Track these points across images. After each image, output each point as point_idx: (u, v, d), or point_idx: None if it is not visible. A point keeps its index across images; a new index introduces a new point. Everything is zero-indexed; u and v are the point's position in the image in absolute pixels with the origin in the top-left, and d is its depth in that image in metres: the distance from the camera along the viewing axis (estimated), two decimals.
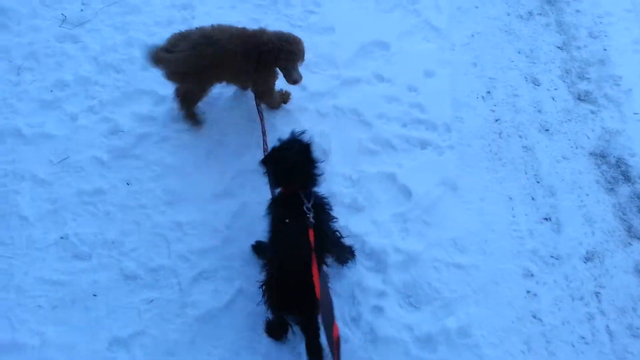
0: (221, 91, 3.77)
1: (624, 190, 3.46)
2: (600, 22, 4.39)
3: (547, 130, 3.77)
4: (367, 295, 2.92)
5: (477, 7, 4.55)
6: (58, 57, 3.99)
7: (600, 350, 2.86)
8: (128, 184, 3.29)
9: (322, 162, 2.74)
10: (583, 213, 3.36)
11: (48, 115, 3.63)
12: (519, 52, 4.24)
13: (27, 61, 3.91)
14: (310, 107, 3.74)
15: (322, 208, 2.70)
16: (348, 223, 3.09)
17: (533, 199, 3.41)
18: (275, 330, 2.76)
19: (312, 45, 4.14)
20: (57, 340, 2.72)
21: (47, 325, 2.76)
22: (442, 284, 3.01)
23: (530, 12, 4.54)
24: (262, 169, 2.75)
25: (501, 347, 2.84)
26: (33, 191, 3.22)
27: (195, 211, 3.16)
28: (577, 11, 4.50)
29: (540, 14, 4.53)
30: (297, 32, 4.23)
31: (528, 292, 3.06)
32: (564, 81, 4.06)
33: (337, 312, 2.57)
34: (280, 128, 3.58)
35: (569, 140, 3.73)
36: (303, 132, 2.73)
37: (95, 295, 2.79)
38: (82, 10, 4.50)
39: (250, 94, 3.60)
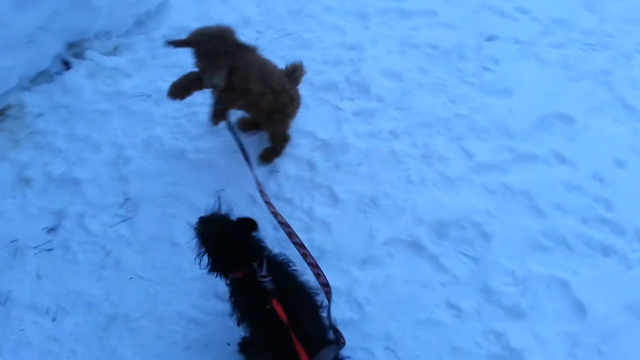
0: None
1: None
2: None
3: None
4: None
5: None
6: None
7: None
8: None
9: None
10: None
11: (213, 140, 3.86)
12: None
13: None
14: (475, 180, 3.53)
15: (282, 269, 2.47)
16: (505, 330, 2.83)
17: None
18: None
19: (482, 108, 3.97)
20: None
21: None
22: None
23: None
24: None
25: None
26: (188, 218, 3.40)
27: (338, 275, 3.10)
28: None
29: None
30: (468, 89, 4.15)
31: None
32: None
33: None
34: (444, 201, 3.44)
35: None
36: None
37: (228, 345, 2.84)
38: (257, 38, 4.78)
39: None
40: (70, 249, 3.23)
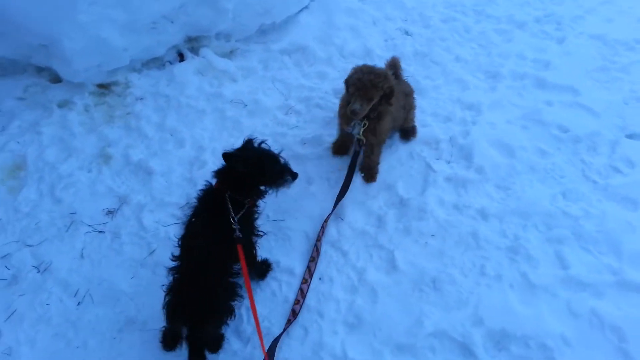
0: None
1: None
2: None
3: None
4: None
5: None
6: None
7: None
8: None
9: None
10: None
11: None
12: None
13: None
14: (561, 295, 3.08)
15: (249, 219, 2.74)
16: None
17: None
18: (168, 340, 2.73)
19: (598, 214, 3.51)
20: None
21: None
22: None
23: None
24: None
25: None
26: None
27: (367, 353, 2.88)
28: None
29: None
30: (587, 188, 3.70)
31: None
32: None
33: None
34: (515, 309, 3.06)
35: None
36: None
37: None
38: None
39: None
40: (120, 237, 3.36)
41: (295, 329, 2.97)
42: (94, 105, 4.17)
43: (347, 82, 3.33)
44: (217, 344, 2.84)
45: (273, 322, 2.99)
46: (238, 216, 2.62)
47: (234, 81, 4.52)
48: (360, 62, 4.65)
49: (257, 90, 4.43)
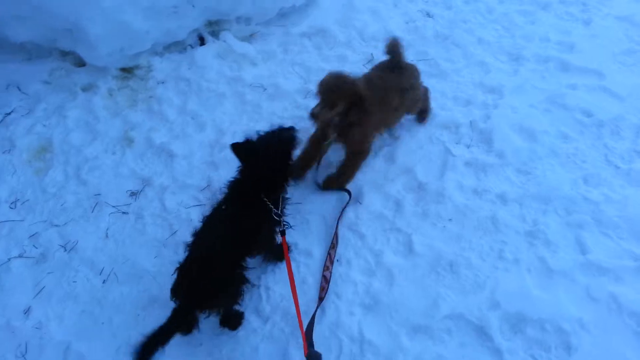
0: None
1: None
2: None
3: None
4: None
5: None
6: None
7: None
8: None
9: None
10: None
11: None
12: None
13: None
14: (580, 280, 3.09)
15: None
16: None
17: None
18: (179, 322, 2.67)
19: (620, 199, 3.50)
20: None
21: None
22: None
23: None
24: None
25: None
26: None
27: (383, 333, 2.95)
28: None
29: None
30: (609, 173, 3.68)
31: None
32: None
33: None
34: (532, 293, 3.09)
35: None
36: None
37: None
38: None
39: None
40: (143, 218, 3.47)
41: (313, 309, 3.04)
42: (118, 89, 4.28)
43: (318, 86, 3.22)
44: (236, 321, 2.93)
45: (292, 302, 3.06)
46: (280, 209, 2.74)
47: (253, 65, 4.57)
48: (380, 45, 4.69)
49: (276, 74, 4.47)
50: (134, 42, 4.20)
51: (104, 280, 3.17)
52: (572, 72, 4.49)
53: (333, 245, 3.27)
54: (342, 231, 3.40)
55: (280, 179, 2.81)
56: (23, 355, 2.89)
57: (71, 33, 4.11)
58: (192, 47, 4.62)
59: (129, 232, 3.41)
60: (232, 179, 2.83)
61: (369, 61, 4.60)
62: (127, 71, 4.39)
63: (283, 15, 4.96)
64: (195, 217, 3.45)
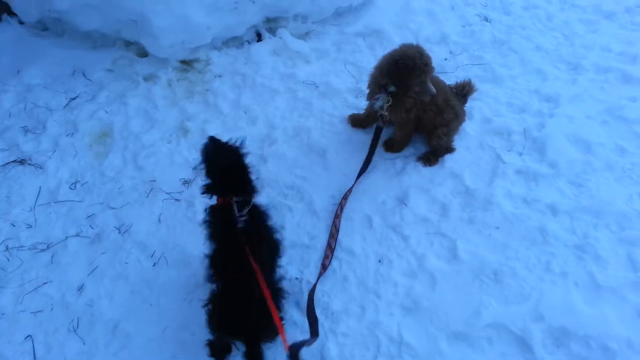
0: None
1: None
2: None
3: None
4: None
5: None
6: None
7: None
8: None
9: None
10: None
11: (357, 149, 3.91)
12: None
13: None
14: (630, 299, 2.98)
15: (259, 215, 2.71)
16: None
17: None
18: (217, 351, 2.75)
19: None
20: None
21: None
22: None
23: None
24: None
25: None
26: (301, 215, 3.51)
27: (422, 337, 2.93)
28: None
29: None
30: None
31: None
32: None
33: None
34: (579, 308, 3.00)
35: None
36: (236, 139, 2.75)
37: None
38: (445, 59, 4.66)
39: None
40: (194, 206, 3.57)
41: (352, 307, 3.06)
42: (177, 80, 4.40)
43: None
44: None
45: (332, 298, 3.09)
46: (244, 212, 2.59)
47: (307, 62, 4.61)
48: (435, 48, 4.66)
49: (329, 72, 4.50)
50: (195, 36, 4.30)
51: (154, 264, 3.28)
52: (633, 84, 4.33)
53: (332, 235, 3.31)
54: (385, 231, 3.41)
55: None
56: (75, 330, 3.02)
57: (136, 24, 4.25)
58: (249, 42, 4.70)
59: (180, 219, 3.50)
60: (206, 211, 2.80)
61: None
62: (187, 64, 4.51)
63: (339, 14, 4.98)
64: None
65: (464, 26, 5.03)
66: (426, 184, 3.63)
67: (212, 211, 2.73)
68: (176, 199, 3.61)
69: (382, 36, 4.81)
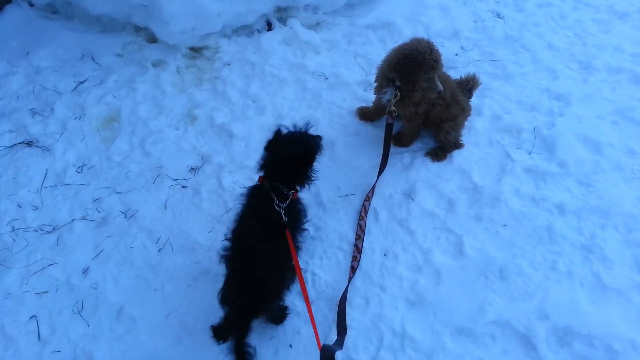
0: None
1: None
2: None
3: None
4: None
5: None
6: None
7: None
8: None
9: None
10: None
11: (366, 141, 3.90)
12: None
13: None
14: (635, 300, 2.98)
15: (296, 214, 2.75)
16: None
17: None
18: (221, 334, 2.65)
19: None
20: None
21: None
22: None
23: None
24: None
25: None
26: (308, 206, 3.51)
27: (425, 331, 2.94)
28: None
29: None
30: None
31: None
32: None
33: None
34: (584, 308, 3.00)
35: None
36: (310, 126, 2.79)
37: (291, 346, 2.90)
38: (456, 54, 4.64)
39: None
40: (200, 193, 3.57)
41: (356, 299, 3.06)
42: (185, 67, 4.39)
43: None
44: (281, 315, 2.96)
45: (337, 290, 3.09)
46: (284, 204, 2.65)
47: (317, 53, 4.60)
48: (446, 43, 4.63)
49: (338, 63, 4.48)
50: (206, 23, 4.28)
51: (160, 249, 3.29)
52: None
53: (358, 236, 3.29)
54: (391, 225, 3.41)
55: (293, 170, 2.76)
56: (79, 312, 3.03)
57: (146, 9, 4.23)
58: (259, 31, 4.68)
59: (186, 206, 3.51)
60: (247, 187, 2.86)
61: None
62: (196, 51, 4.50)
63: (351, 6, 4.96)
64: None
65: (476, 22, 5.00)
66: (434, 179, 3.62)
67: (251, 189, 2.79)
68: (183, 186, 3.61)
69: (393, 29, 4.79)
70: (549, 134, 3.87)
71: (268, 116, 4.05)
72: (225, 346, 2.56)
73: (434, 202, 3.51)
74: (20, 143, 3.83)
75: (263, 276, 2.52)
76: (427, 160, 3.72)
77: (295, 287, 3.03)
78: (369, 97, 4.10)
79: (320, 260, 3.24)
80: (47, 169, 3.69)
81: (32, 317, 3.00)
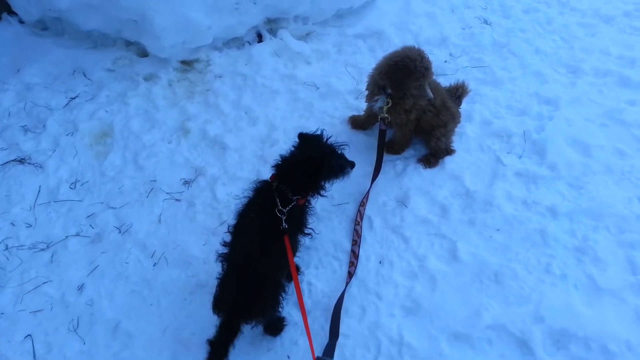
0: None
1: None
2: None
3: None
4: None
5: None
6: None
7: None
8: None
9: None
10: None
11: (358, 150, 3.90)
12: None
13: None
14: (629, 300, 2.99)
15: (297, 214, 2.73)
16: None
17: None
18: (218, 347, 2.53)
19: None
20: None
21: None
22: None
23: None
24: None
25: None
26: None
27: (422, 337, 2.94)
28: None
29: None
30: None
31: None
32: None
33: None
34: (579, 310, 3.01)
35: None
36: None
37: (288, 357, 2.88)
38: (445, 61, 4.68)
39: None
40: (195, 206, 3.56)
41: (353, 308, 3.06)
42: (177, 81, 4.40)
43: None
44: (278, 327, 2.94)
45: (332, 299, 3.09)
46: (287, 209, 2.62)
47: (307, 64, 4.62)
48: (435, 50, 4.67)
49: (329, 73, 4.51)
50: (196, 36, 4.30)
51: (155, 264, 3.27)
52: (632, 88, 4.36)
53: (355, 241, 3.30)
54: (385, 232, 3.41)
55: (304, 179, 2.73)
56: (75, 330, 3.01)
57: (136, 24, 4.25)
58: (249, 43, 4.70)
59: (180, 219, 3.50)
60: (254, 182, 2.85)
61: None
62: (187, 64, 4.51)
63: (340, 16, 4.99)
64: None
65: (464, 29, 5.05)
66: (426, 186, 3.64)
67: (259, 185, 2.77)
68: (177, 199, 3.61)
69: (382, 38, 4.83)
70: (538, 138, 3.90)
71: (261, 127, 4.06)
72: None
73: (427, 208, 3.52)
74: (12, 160, 3.81)
75: (258, 275, 2.50)
76: (420, 167, 3.74)
77: (292, 297, 3.03)
78: (361, 106, 4.12)
79: (315, 270, 3.24)
80: (40, 186, 3.68)
81: (27, 336, 2.97)
